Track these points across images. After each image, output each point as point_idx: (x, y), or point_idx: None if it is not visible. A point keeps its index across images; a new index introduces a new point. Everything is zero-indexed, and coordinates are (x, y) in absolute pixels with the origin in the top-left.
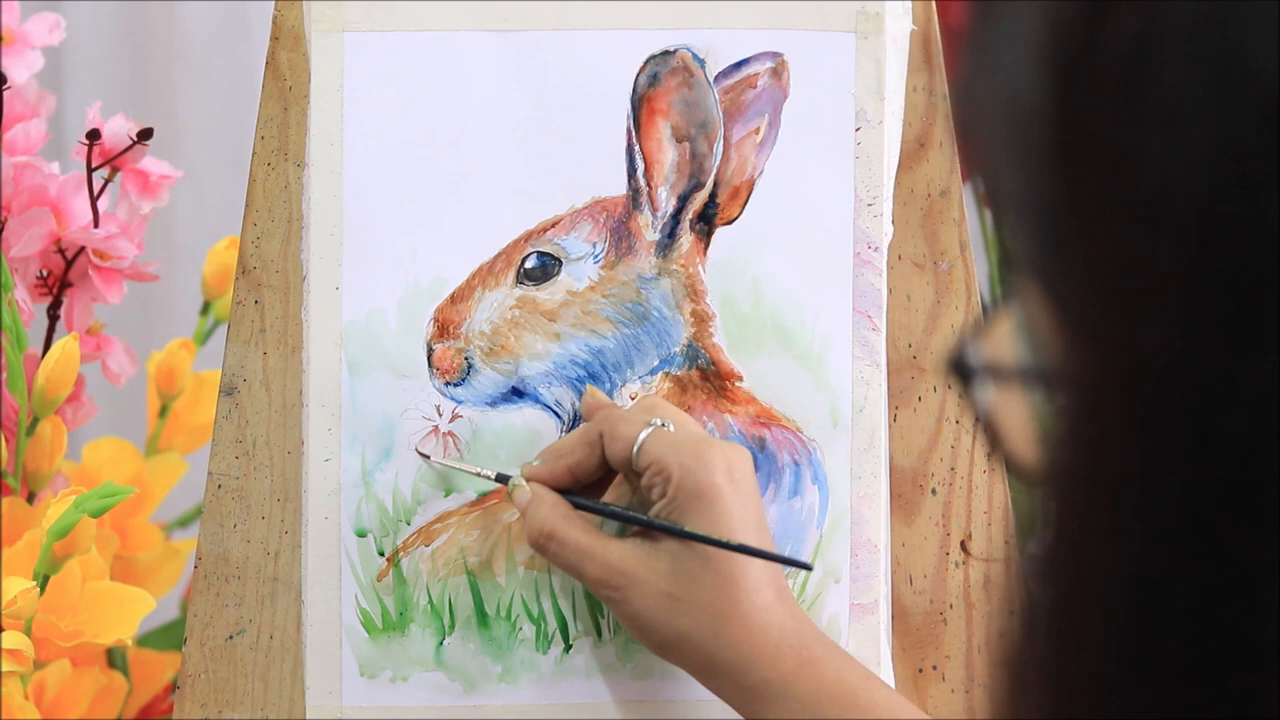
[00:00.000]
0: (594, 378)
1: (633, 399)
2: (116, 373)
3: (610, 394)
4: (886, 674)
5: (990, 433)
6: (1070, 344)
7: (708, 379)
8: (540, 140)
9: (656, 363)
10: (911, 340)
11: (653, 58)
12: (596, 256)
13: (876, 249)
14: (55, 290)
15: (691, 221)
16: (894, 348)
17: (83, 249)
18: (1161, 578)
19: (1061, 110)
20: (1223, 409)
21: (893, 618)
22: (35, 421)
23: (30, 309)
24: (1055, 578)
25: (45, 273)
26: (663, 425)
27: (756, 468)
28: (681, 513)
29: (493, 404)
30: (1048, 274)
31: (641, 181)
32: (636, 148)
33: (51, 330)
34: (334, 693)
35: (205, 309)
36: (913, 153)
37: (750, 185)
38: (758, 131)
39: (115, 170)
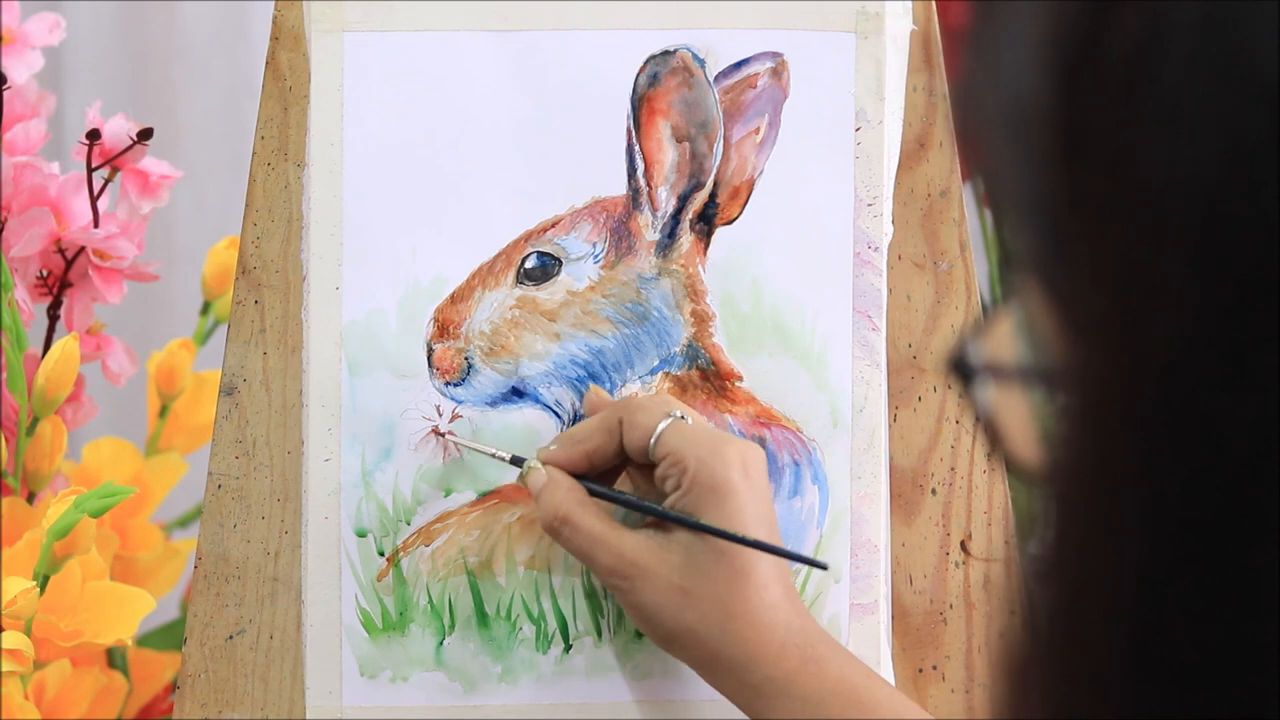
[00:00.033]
0: (594, 378)
1: None
2: (116, 373)
3: (610, 394)
4: (886, 674)
5: (990, 433)
6: (1071, 343)
7: (708, 379)
8: (540, 140)
9: (656, 363)
10: (911, 340)
11: (653, 58)
12: (596, 256)
13: (876, 249)
14: (55, 290)
15: (691, 221)
16: (894, 348)
17: (83, 249)
18: (1162, 578)
19: (1063, 110)
20: (1224, 408)
21: (893, 618)
22: (35, 421)
23: (30, 309)
24: (1056, 578)
25: (45, 273)
26: (681, 417)
27: None
28: (696, 506)
29: (493, 404)
30: (1049, 274)
31: (641, 181)
32: (636, 148)
33: (51, 330)
34: (334, 693)
35: (205, 309)
36: (913, 153)
37: (750, 185)
38: (758, 131)
39: (115, 170)
